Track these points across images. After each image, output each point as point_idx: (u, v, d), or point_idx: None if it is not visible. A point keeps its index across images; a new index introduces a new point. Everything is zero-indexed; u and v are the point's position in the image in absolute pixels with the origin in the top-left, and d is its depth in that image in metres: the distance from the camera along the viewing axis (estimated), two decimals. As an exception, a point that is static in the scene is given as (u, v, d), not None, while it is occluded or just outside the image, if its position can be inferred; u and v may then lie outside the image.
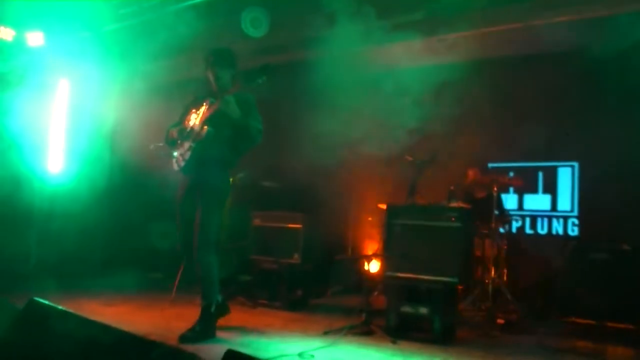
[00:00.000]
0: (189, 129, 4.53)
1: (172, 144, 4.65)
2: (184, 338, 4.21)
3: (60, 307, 2.81)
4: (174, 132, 4.63)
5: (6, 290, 4.40)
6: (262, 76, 4.22)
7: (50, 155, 7.71)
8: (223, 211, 4.66)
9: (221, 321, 4.58)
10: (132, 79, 7.52)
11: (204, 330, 4.36)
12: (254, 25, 6.53)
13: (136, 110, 7.16)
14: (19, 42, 7.05)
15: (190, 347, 3.94)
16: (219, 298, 4.52)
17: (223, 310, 4.62)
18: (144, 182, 7.71)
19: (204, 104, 4.56)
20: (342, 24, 5.84)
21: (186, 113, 4.69)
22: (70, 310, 2.78)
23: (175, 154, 4.60)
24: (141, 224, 7.53)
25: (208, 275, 4.45)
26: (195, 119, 4.54)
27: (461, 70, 6.37)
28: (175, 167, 4.59)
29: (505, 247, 6.10)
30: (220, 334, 4.55)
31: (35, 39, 7.11)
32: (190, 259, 4.52)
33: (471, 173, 6.63)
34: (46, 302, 2.87)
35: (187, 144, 4.50)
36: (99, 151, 8.09)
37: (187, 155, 4.48)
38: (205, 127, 4.42)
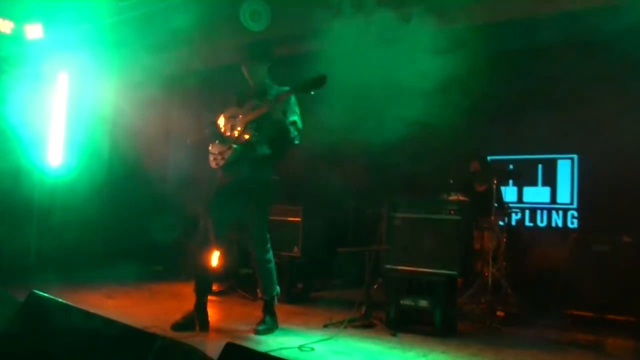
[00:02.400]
0: (230, 128, 4.53)
1: (215, 138, 4.66)
2: (259, 332, 4.41)
3: (60, 299, 2.81)
4: (215, 130, 4.65)
5: (6, 283, 4.40)
6: (316, 89, 4.25)
7: (50, 148, 7.70)
8: (270, 207, 4.73)
9: (222, 314, 4.60)
10: (132, 72, 7.50)
11: (273, 321, 4.59)
12: (253, 18, 6.51)
13: (136, 102, 7.15)
14: (17, 35, 7.03)
15: (189, 341, 3.94)
16: (278, 289, 4.69)
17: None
18: (144, 174, 7.71)
19: (246, 104, 4.53)
20: (344, 16, 5.82)
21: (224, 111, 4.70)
22: (71, 303, 2.78)
23: (213, 150, 4.63)
24: (141, 217, 7.54)
25: (268, 271, 4.62)
26: (236, 119, 4.52)
27: (462, 62, 6.35)
28: (214, 164, 4.61)
29: (505, 239, 6.10)
30: (220, 327, 4.58)
31: (34, 31, 7.09)
32: (206, 252, 4.61)
33: (474, 165, 6.63)
34: (46, 295, 2.87)
35: (228, 144, 4.51)
36: (99, 144, 8.09)
37: (228, 154, 4.49)
38: (250, 130, 4.43)
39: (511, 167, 7.10)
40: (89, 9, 7.16)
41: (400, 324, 4.73)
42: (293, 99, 4.57)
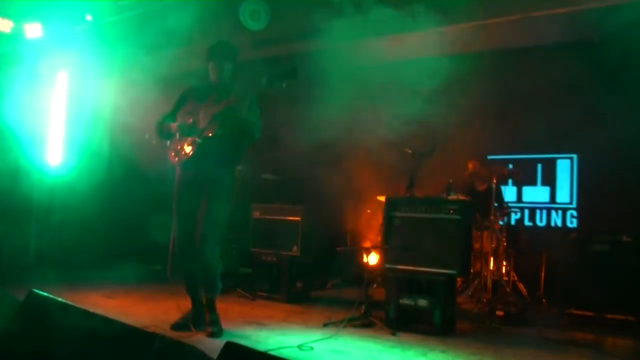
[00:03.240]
0: (192, 123, 4.41)
1: (168, 136, 4.56)
2: (214, 334, 4.31)
3: (60, 299, 2.81)
4: (173, 126, 4.50)
5: (6, 283, 4.41)
6: (288, 80, 4.18)
7: (50, 147, 7.70)
8: (230, 205, 4.60)
9: (221, 313, 4.59)
10: (131, 71, 7.50)
11: (219, 318, 4.48)
12: (252, 17, 6.51)
13: (135, 102, 7.14)
14: (17, 34, 7.02)
15: (188, 340, 3.94)
16: (221, 286, 4.58)
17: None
18: (143, 174, 7.71)
19: (209, 99, 4.47)
20: (342, 15, 5.82)
21: (182, 105, 4.60)
22: (70, 302, 2.78)
23: (172, 146, 4.51)
24: (140, 216, 7.53)
25: (215, 268, 4.50)
26: (198, 114, 4.43)
27: (461, 62, 6.35)
28: (175, 160, 4.49)
29: (505, 239, 6.11)
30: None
31: (33, 30, 7.08)
32: (186, 250, 4.49)
33: (471, 165, 6.63)
34: (46, 294, 2.87)
35: (190, 139, 4.40)
36: (98, 143, 8.08)
37: (191, 149, 4.38)
38: (216, 124, 4.33)
39: (511, 166, 7.09)
40: (88, 9, 7.17)
41: (399, 323, 4.73)
42: (254, 98, 4.47)
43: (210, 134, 4.34)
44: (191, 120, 4.42)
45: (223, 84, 4.52)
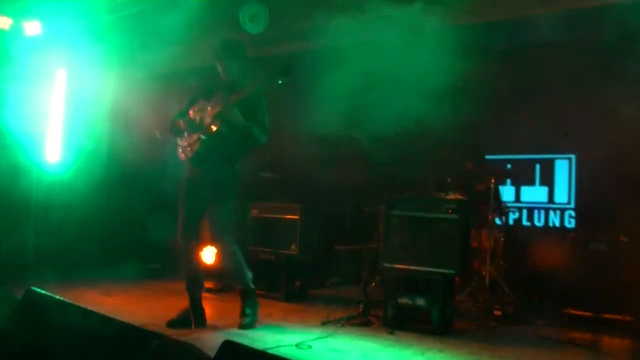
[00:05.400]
0: (198, 121, 4.55)
1: (178, 133, 4.69)
2: (244, 326, 4.47)
3: (58, 297, 2.81)
4: (182, 123, 4.65)
5: (4, 280, 4.40)
6: (283, 78, 4.30)
7: (48, 145, 7.68)
8: (235, 201, 4.74)
9: (219, 312, 4.61)
10: (130, 69, 7.49)
11: (254, 310, 4.63)
12: (252, 21, 6.52)
13: (134, 100, 7.13)
14: (16, 31, 7.02)
15: (186, 338, 3.94)
16: (251, 275, 4.69)
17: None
18: (142, 172, 7.70)
19: (215, 97, 4.58)
20: (341, 15, 5.82)
21: (193, 103, 4.72)
22: (69, 300, 2.78)
23: (181, 143, 4.64)
24: (139, 215, 7.53)
25: (236, 261, 4.63)
26: (205, 112, 4.56)
27: (459, 61, 6.34)
28: (182, 156, 4.64)
29: (503, 238, 6.11)
30: (218, 324, 4.58)
31: (32, 28, 7.07)
32: (189, 247, 4.62)
33: (469, 165, 6.62)
34: (44, 292, 2.87)
35: (196, 136, 4.53)
36: (97, 141, 8.07)
37: (196, 146, 4.51)
38: (217, 123, 4.46)
39: (509, 166, 7.10)
40: (87, 6, 7.15)
41: (397, 322, 4.74)
42: (261, 95, 4.59)
43: (212, 131, 4.45)
44: (198, 118, 4.55)
45: (231, 82, 4.61)
